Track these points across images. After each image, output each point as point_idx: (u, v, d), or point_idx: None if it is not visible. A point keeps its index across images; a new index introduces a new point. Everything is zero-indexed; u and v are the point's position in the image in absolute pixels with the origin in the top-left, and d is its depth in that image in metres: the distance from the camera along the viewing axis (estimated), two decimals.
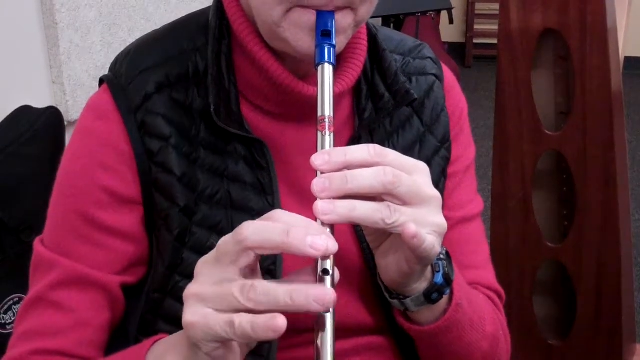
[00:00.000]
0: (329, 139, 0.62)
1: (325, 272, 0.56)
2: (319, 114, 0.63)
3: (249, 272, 0.57)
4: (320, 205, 0.57)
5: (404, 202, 0.60)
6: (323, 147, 0.61)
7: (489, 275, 0.89)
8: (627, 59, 2.40)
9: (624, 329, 1.56)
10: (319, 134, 0.62)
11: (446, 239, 0.65)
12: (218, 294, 0.55)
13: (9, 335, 0.77)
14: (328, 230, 0.57)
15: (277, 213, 0.57)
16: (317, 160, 0.59)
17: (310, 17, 0.67)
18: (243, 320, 0.53)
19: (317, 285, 0.55)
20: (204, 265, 0.58)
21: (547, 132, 1.49)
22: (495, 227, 1.60)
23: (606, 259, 1.50)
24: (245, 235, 0.54)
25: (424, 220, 0.61)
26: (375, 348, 0.81)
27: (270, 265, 0.75)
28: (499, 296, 0.89)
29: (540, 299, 1.64)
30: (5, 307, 1.36)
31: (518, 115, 1.50)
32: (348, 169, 0.59)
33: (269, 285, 0.53)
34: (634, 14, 2.29)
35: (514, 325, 0.89)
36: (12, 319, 1.35)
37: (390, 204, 0.59)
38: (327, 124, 0.62)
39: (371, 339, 0.81)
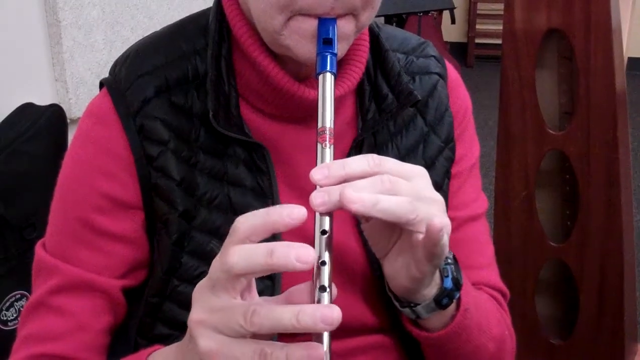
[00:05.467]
0: (329, 151, 0.61)
1: (322, 288, 0.55)
2: (319, 125, 0.62)
3: (246, 290, 0.56)
4: (349, 193, 0.56)
5: None
6: (323, 160, 0.61)
7: (493, 274, 0.89)
8: (631, 60, 2.40)
9: (626, 329, 1.55)
10: (319, 146, 0.61)
11: (451, 240, 0.65)
12: (221, 320, 0.54)
13: (10, 332, 0.78)
14: (324, 238, 0.56)
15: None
16: (316, 174, 0.58)
17: (311, 24, 0.67)
18: (275, 351, 0.51)
19: (321, 305, 0.54)
20: (201, 292, 0.56)
21: (550, 131, 1.49)
22: (498, 226, 1.60)
23: (609, 259, 1.50)
24: (231, 264, 0.52)
25: None
26: (380, 347, 0.81)
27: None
28: (503, 295, 0.89)
29: (543, 298, 1.63)
30: (7, 304, 1.35)
31: (522, 114, 1.50)
32: (348, 181, 0.58)
33: (271, 308, 0.52)
34: (637, 15, 2.29)
35: (516, 324, 0.88)
36: (14, 315, 1.35)
37: (411, 199, 0.59)
38: (327, 136, 0.61)
39: (376, 338, 0.81)
